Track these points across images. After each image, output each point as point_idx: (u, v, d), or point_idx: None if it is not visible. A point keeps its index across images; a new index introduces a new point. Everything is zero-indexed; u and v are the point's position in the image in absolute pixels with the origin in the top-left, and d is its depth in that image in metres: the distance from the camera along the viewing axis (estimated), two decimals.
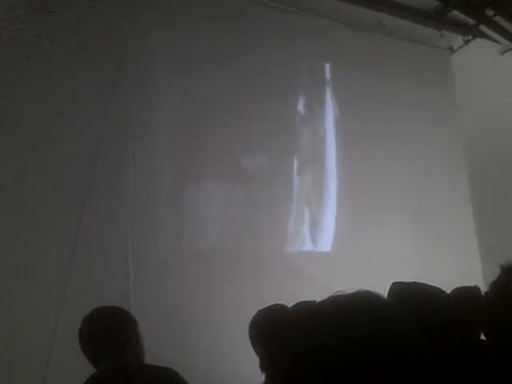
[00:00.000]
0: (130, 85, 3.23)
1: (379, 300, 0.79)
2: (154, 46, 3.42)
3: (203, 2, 3.59)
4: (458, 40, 4.76)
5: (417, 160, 4.37)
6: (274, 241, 3.70)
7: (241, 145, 3.70)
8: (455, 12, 4.35)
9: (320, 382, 0.70)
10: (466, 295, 2.10)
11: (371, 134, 4.16)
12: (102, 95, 3.08)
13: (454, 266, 3.87)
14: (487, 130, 4.51)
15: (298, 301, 1.96)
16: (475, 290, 2.20)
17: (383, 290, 1.37)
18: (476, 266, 4.25)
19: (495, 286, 1.21)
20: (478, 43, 4.60)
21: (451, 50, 4.86)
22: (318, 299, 0.81)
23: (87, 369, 1.76)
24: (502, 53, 4.58)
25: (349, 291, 0.78)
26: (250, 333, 1.95)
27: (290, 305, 1.98)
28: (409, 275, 1.72)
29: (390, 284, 1.65)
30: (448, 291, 1.86)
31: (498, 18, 4.36)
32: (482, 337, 1.63)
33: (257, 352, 1.91)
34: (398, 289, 1.59)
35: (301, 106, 4.12)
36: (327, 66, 4.29)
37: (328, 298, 0.78)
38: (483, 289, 2.14)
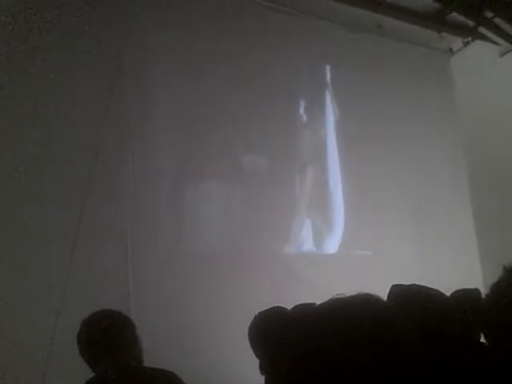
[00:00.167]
0: (129, 85, 3.24)
1: (379, 302, 0.79)
2: (154, 45, 3.42)
3: (203, 2, 3.60)
4: (457, 42, 4.77)
5: (417, 161, 4.38)
6: (274, 241, 3.70)
7: (241, 145, 3.71)
8: (454, 14, 4.36)
9: (320, 383, 0.71)
10: (466, 297, 2.10)
11: (371, 135, 4.16)
12: (101, 95, 3.08)
13: (454, 268, 3.87)
14: (487, 131, 4.52)
15: (297, 303, 1.96)
16: (475, 292, 2.20)
17: (383, 292, 1.38)
18: (476, 267, 4.25)
19: (496, 287, 1.21)
20: (478, 45, 4.61)
21: (451, 51, 4.87)
22: (318, 301, 0.81)
23: (87, 369, 1.77)
24: (502, 54, 4.58)
25: (348, 294, 0.78)
26: (249, 335, 1.95)
27: (289, 307, 1.98)
28: (408, 277, 1.73)
29: (390, 286, 1.65)
30: (448, 293, 1.86)
31: (497, 20, 4.36)
32: (482, 339, 1.64)
33: (256, 354, 1.92)
34: (397, 291, 1.59)
35: (300, 107, 4.12)
36: (326, 67, 4.30)
37: (328, 301, 0.78)
38: (483, 290, 2.14)
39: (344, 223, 4.02)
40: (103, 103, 3.05)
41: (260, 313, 1.98)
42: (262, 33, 3.82)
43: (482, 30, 4.47)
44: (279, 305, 2.03)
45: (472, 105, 4.60)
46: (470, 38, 4.62)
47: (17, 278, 2.66)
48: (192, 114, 3.47)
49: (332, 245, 3.97)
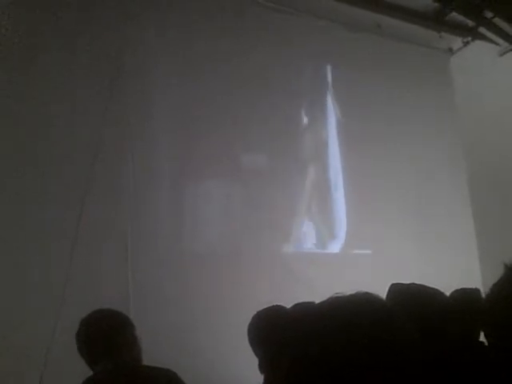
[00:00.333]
0: (129, 85, 3.24)
1: (378, 302, 0.79)
2: (154, 45, 3.42)
3: (203, 2, 3.60)
4: (457, 42, 4.77)
5: (417, 161, 4.38)
6: (274, 241, 3.70)
7: (240, 145, 3.71)
8: (454, 14, 4.37)
9: (320, 383, 0.71)
10: (466, 297, 2.10)
11: (371, 135, 4.17)
12: (101, 95, 3.08)
13: (453, 267, 3.87)
14: (486, 131, 4.52)
15: (297, 302, 1.96)
16: (475, 291, 2.20)
17: (383, 292, 1.38)
18: (475, 267, 4.26)
19: (498, 285, 1.20)
20: (477, 45, 4.61)
21: (450, 51, 4.87)
22: (317, 301, 0.81)
23: (86, 369, 1.77)
24: (501, 54, 4.59)
25: (348, 293, 0.78)
26: (249, 334, 1.95)
27: (289, 306, 1.98)
28: (408, 276, 1.72)
29: (389, 285, 1.65)
30: (447, 292, 1.86)
31: (497, 20, 4.37)
32: (482, 338, 1.64)
33: (256, 353, 1.91)
34: (396, 290, 1.59)
35: (300, 107, 4.12)
36: (326, 67, 4.30)
37: (327, 300, 0.78)
38: (482, 290, 2.15)
39: (344, 223, 4.02)
40: (103, 103, 3.05)
41: (259, 312, 1.97)
42: (262, 33, 3.83)
43: (481, 29, 4.47)
44: (280, 304, 2.03)
45: (472, 104, 4.61)
46: (469, 38, 4.63)
47: (16, 278, 2.66)
48: (192, 113, 3.47)
49: (332, 244, 3.98)
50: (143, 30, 3.36)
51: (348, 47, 4.20)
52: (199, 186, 3.57)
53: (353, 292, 0.78)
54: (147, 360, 1.86)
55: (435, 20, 4.41)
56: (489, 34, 4.48)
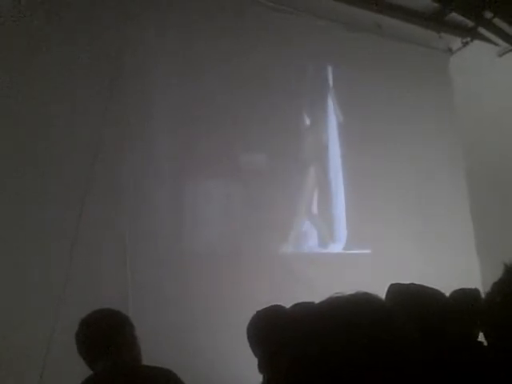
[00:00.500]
0: (129, 85, 3.24)
1: (378, 302, 0.79)
2: (154, 45, 3.42)
3: (203, 2, 3.60)
4: (456, 42, 4.77)
5: (417, 161, 4.38)
6: (274, 241, 3.70)
7: (240, 144, 3.71)
8: (454, 14, 4.37)
9: (319, 383, 0.71)
10: (465, 297, 2.11)
11: (371, 135, 4.17)
12: (101, 95, 3.08)
13: (453, 267, 3.87)
14: (485, 131, 4.53)
15: (296, 302, 1.96)
16: (474, 292, 2.21)
17: (382, 292, 1.38)
18: (475, 267, 4.26)
19: (497, 285, 1.20)
20: (477, 45, 4.61)
21: (450, 51, 4.87)
22: (317, 301, 0.81)
23: (85, 369, 1.77)
24: (501, 55, 4.60)
25: (347, 293, 0.78)
26: (248, 334, 1.95)
27: (288, 306, 1.98)
28: (408, 276, 1.72)
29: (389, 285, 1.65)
30: (447, 292, 1.86)
31: (496, 20, 4.38)
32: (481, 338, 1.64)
33: (255, 353, 1.91)
34: (396, 290, 1.59)
35: (300, 106, 4.12)
36: (326, 67, 4.30)
37: (326, 300, 0.78)
38: (481, 290, 2.15)
39: (344, 223, 4.02)
40: (103, 103, 3.05)
41: (258, 312, 1.97)
42: (262, 33, 3.83)
43: (481, 30, 4.48)
44: (279, 304, 2.03)
45: (471, 105, 4.61)
46: (469, 38, 4.63)
47: (16, 278, 2.66)
48: (192, 113, 3.47)
49: (332, 244, 3.98)
50: (143, 29, 3.35)
51: (348, 47, 4.20)
52: (199, 186, 3.57)
53: (352, 292, 0.78)
54: (147, 360, 1.86)
55: (435, 20, 4.42)
56: (488, 35, 4.48)
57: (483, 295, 1.35)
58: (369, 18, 4.24)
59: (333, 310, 0.76)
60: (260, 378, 1.82)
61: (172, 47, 3.49)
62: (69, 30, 3.07)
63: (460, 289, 2.25)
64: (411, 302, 1.46)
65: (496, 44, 4.54)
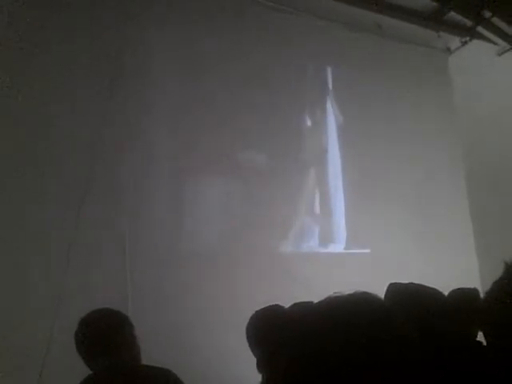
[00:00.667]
0: (129, 85, 3.24)
1: (376, 301, 0.79)
2: (154, 45, 3.42)
3: (203, 2, 3.60)
4: (455, 41, 4.77)
5: (416, 161, 4.38)
6: (274, 241, 3.70)
7: (240, 143, 3.71)
8: (453, 13, 4.37)
9: (318, 382, 0.71)
10: (464, 296, 2.11)
11: (371, 135, 4.17)
12: (101, 95, 3.08)
13: (452, 267, 3.88)
14: (485, 131, 4.53)
15: (295, 301, 1.96)
16: (473, 291, 2.21)
17: (381, 291, 1.38)
18: (474, 267, 4.26)
19: (497, 283, 1.20)
20: (476, 44, 4.61)
21: (448, 51, 4.87)
22: (316, 300, 0.81)
23: (85, 368, 1.77)
24: (499, 54, 4.60)
25: (346, 292, 0.78)
26: (247, 333, 1.95)
27: (287, 305, 1.98)
28: (407, 275, 1.72)
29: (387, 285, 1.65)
30: (446, 291, 1.86)
31: (495, 20, 4.37)
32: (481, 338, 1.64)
33: (254, 353, 1.91)
34: (395, 290, 1.59)
35: (300, 106, 4.12)
36: (326, 67, 4.30)
37: (325, 299, 0.78)
38: (480, 289, 2.15)
39: (344, 222, 4.02)
40: (103, 103, 3.05)
41: (257, 311, 1.97)
42: (262, 33, 3.83)
43: (480, 29, 4.47)
44: (278, 304, 2.03)
45: (470, 104, 4.61)
46: (467, 38, 4.63)
47: (16, 278, 2.66)
48: (192, 113, 3.47)
49: (332, 244, 3.98)
50: (143, 30, 3.35)
51: (348, 47, 4.20)
52: (199, 186, 3.57)
53: (351, 291, 0.78)
54: (146, 359, 1.86)
55: (433, 19, 4.42)
56: (487, 34, 4.48)
57: (482, 294, 1.35)
58: (369, 18, 4.24)
59: (331, 310, 0.76)
60: (259, 377, 1.83)
61: (172, 47, 3.49)
62: (69, 29, 3.07)
63: (459, 288, 2.25)
64: (410, 301, 1.46)
65: (495, 43, 4.54)
